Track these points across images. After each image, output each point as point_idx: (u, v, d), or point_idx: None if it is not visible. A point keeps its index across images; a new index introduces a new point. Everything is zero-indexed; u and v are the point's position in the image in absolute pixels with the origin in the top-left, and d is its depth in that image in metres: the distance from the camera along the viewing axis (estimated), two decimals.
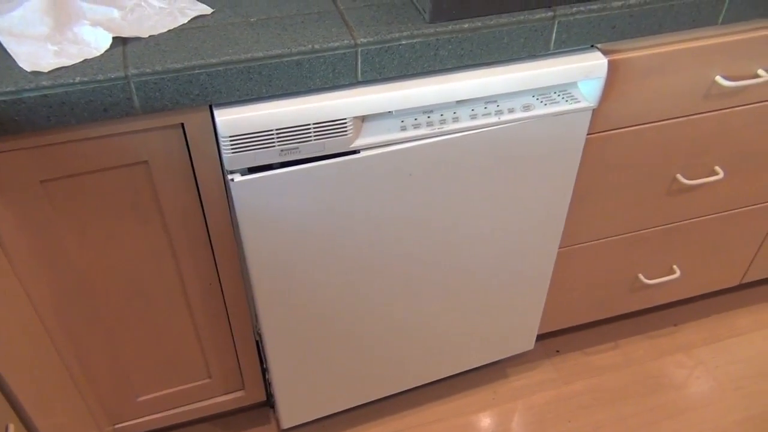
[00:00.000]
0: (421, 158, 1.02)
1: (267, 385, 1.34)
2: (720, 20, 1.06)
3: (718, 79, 1.13)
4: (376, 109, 0.94)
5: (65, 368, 1.11)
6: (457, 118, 1.00)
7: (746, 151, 1.28)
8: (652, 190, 1.27)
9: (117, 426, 1.27)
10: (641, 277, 1.44)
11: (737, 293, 1.72)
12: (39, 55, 0.85)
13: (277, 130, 0.92)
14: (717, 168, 1.28)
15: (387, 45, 0.91)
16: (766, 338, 1.61)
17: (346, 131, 0.95)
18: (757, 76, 1.16)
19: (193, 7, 0.96)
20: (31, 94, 0.81)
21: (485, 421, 1.45)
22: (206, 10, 0.96)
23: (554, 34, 0.98)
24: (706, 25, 1.06)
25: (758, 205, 1.41)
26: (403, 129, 0.98)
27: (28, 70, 0.83)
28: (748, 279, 1.59)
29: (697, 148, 1.24)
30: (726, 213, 1.39)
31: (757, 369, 1.55)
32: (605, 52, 1.04)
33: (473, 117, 1.01)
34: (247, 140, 0.91)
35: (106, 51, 0.87)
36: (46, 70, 0.83)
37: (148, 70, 0.84)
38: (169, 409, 1.30)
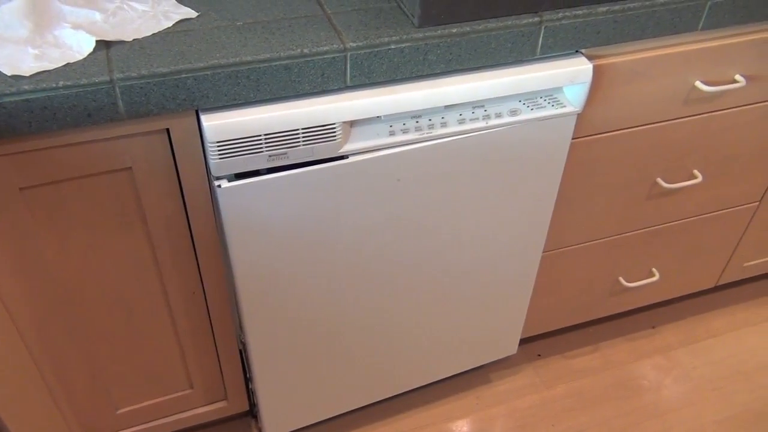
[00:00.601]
0: (409, 163, 1.02)
1: (250, 394, 1.31)
2: (700, 26, 1.07)
3: (698, 84, 1.15)
4: (365, 113, 0.94)
5: (43, 380, 1.07)
6: (445, 123, 1.00)
7: (723, 155, 1.31)
8: (633, 194, 1.29)
9: None
10: (621, 280, 1.45)
11: (712, 295, 1.75)
12: (19, 58, 0.83)
13: (265, 135, 0.90)
14: (696, 172, 1.30)
15: (376, 49, 0.91)
16: (740, 339, 1.65)
17: (335, 136, 0.94)
18: (735, 81, 1.18)
19: (177, 11, 0.94)
20: (12, 99, 0.79)
21: (469, 426, 1.45)
22: (191, 13, 0.94)
23: (541, 39, 0.99)
24: (687, 31, 1.07)
25: (734, 208, 1.44)
26: (392, 134, 0.98)
27: (8, 74, 0.80)
28: (723, 281, 1.62)
29: (677, 152, 1.26)
30: (703, 216, 1.41)
31: (732, 369, 1.58)
32: (590, 58, 1.05)
33: (461, 122, 1.01)
34: (234, 146, 0.90)
35: (89, 55, 0.85)
36: (27, 74, 0.80)
37: (134, 74, 0.82)
38: (149, 421, 1.27)
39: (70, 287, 1.01)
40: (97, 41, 0.86)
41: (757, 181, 1.40)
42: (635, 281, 1.47)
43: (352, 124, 0.97)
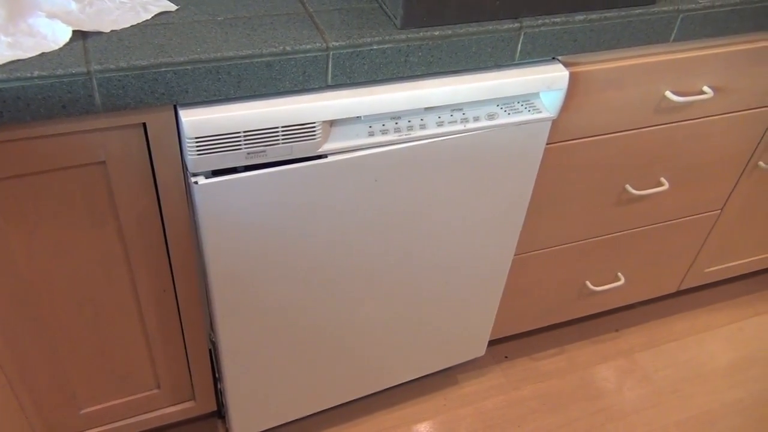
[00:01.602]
0: (387, 164, 1.02)
1: (218, 394, 1.30)
2: (672, 38, 1.10)
3: (668, 94, 1.18)
4: (345, 113, 0.93)
5: (5, 377, 1.04)
6: (424, 124, 1.01)
7: (689, 163, 1.34)
8: (603, 200, 1.32)
9: None
10: (588, 284, 1.48)
11: (674, 299, 1.79)
12: None
13: (244, 132, 0.89)
14: (663, 179, 1.34)
15: (358, 49, 0.90)
16: (700, 343, 1.69)
17: (314, 135, 0.93)
18: (703, 92, 1.22)
19: (156, 3, 0.92)
20: None
21: (436, 427, 1.45)
22: (170, 6, 0.93)
23: (520, 45, 1.00)
24: (659, 42, 1.10)
25: (697, 216, 1.48)
26: (371, 134, 0.98)
27: None
28: (685, 286, 1.66)
29: (646, 159, 1.29)
30: (668, 222, 1.45)
31: (692, 372, 1.62)
32: (566, 65, 1.06)
33: (440, 124, 1.01)
34: (213, 142, 0.88)
35: (65, 45, 0.83)
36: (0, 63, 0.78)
37: (112, 67, 0.80)
38: (114, 422, 1.24)
39: (37, 283, 0.99)
40: (73, 31, 0.84)
41: (720, 190, 1.45)
42: (602, 285, 1.50)
43: (332, 123, 0.97)
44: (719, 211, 1.50)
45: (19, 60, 0.79)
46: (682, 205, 1.43)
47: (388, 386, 1.44)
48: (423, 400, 1.50)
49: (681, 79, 1.18)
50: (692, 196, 1.42)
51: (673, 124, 1.25)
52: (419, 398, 1.51)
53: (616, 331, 1.70)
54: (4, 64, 0.78)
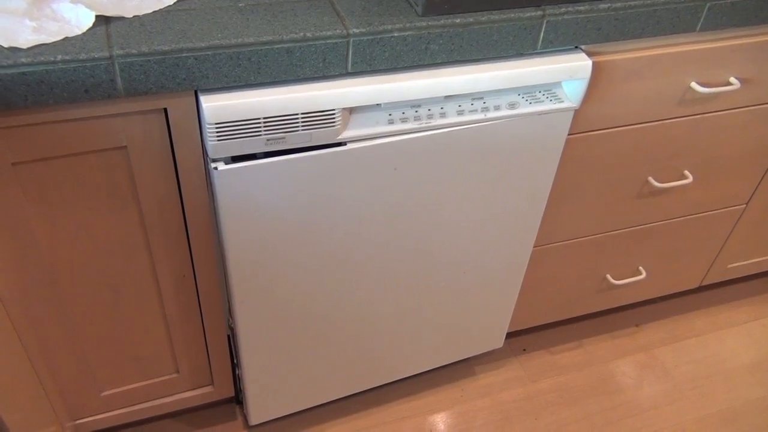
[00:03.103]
0: (407, 153, 1.02)
1: (236, 381, 1.31)
2: (698, 27, 1.08)
3: (693, 85, 1.16)
4: (365, 101, 0.93)
5: (29, 360, 1.06)
6: (444, 113, 1.00)
7: (714, 156, 1.32)
8: (625, 192, 1.30)
9: (78, 421, 1.22)
10: (609, 277, 1.47)
11: (695, 295, 1.77)
12: (16, 30, 0.81)
13: (264, 118, 0.89)
14: (686, 172, 1.32)
15: (379, 36, 0.90)
16: (720, 339, 1.67)
17: (334, 123, 0.93)
18: (729, 83, 1.19)
19: None
20: (9, 71, 0.77)
21: (453, 418, 1.45)
22: None
23: (542, 33, 0.99)
24: (685, 32, 1.08)
25: (721, 210, 1.45)
26: (391, 122, 0.98)
27: (5, 46, 0.79)
28: (707, 282, 1.64)
29: (670, 151, 1.27)
30: (692, 216, 1.43)
31: (712, 369, 1.60)
32: (589, 54, 1.05)
33: (460, 113, 1.01)
34: (233, 128, 0.89)
35: (88, 30, 0.83)
36: (24, 47, 0.79)
37: (134, 51, 0.81)
38: (133, 405, 1.26)
39: (58, 266, 1.00)
40: (96, 16, 0.85)
41: (745, 184, 1.42)
42: (622, 279, 1.48)
43: (352, 111, 0.96)
44: (744, 205, 1.47)
45: (43, 44, 0.80)
46: (706, 199, 1.41)
47: (404, 376, 1.44)
48: (440, 391, 1.50)
49: (707, 70, 1.16)
50: (717, 189, 1.40)
51: (698, 116, 1.23)
52: (436, 389, 1.51)
53: (636, 326, 1.68)
54: (29, 48, 0.79)
